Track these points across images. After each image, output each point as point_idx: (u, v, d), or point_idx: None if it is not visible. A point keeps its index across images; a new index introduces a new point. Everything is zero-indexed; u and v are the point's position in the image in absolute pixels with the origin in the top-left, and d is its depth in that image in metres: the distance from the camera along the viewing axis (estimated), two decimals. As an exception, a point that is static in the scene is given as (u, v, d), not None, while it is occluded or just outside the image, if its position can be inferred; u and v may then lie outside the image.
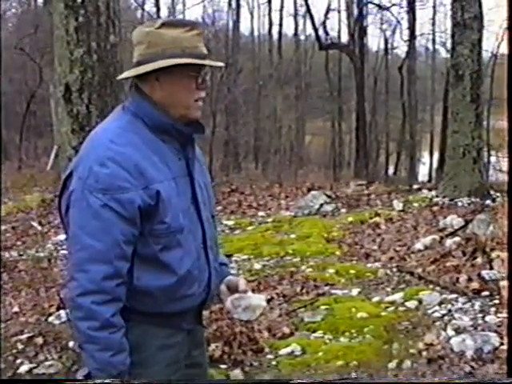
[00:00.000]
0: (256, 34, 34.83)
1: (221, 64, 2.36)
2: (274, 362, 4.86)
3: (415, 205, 10.34)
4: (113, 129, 2.22)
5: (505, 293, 5.46)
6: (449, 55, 13.16)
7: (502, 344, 4.69)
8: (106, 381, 2.12)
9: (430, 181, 21.51)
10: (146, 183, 2.14)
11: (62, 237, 8.94)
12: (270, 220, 10.34)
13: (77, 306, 2.12)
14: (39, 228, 10.16)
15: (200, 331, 2.52)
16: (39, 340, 5.35)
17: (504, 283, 5.63)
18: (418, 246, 7.62)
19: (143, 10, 27.83)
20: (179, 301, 2.27)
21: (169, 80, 2.22)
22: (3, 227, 10.67)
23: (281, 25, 30.71)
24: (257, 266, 7.51)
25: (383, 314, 5.64)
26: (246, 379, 4.54)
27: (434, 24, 29.97)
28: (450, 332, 5.08)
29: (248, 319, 2.39)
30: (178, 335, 2.34)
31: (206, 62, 2.25)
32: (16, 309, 6.24)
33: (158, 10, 26.78)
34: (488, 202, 9.97)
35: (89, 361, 2.15)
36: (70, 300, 2.15)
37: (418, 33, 26.60)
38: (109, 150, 2.13)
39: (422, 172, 29.94)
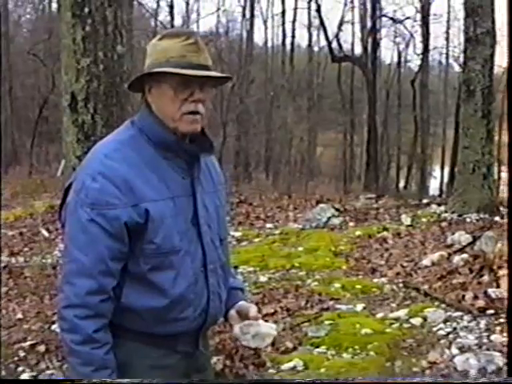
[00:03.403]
0: (269, 44, 34.90)
1: (210, 74, 2.15)
2: (275, 377, 4.78)
3: (423, 220, 10.28)
4: (111, 143, 2.18)
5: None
6: (461, 70, 13.12)
7: (506, 364, 4.62)
8: (108, 380, 2.10)
9: (440, 195, 21.40)
10: (135, 201, 2.09)
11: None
12: (277, 232, 10.30)
13: (62, 318, 2.12)
14: (47, 234, 10.15)
15: (203, 356, 2.41)
16: (41, 348, 5.34)
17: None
18: (425, 261, 7.55)
19: (156, 19, 27.95)
20: (170, 323, 2.21)
21: (156, 91, 2.16)
22: (11, 233, 10.70)
23: (293, 36, 30.76)
24: (262, 279, 7.46)
25: (387, 330, 5.58)
26: (245, 379, 4.56)
27: (447, 38, 29.98)
28: (454, 350, 5.01)
29: (256, 347, 2.34)
30: (172, 357, 2.27)
31: (177, 70, 2.09)
32: (20, 315, 6.24)
33: (172, 19, 26.89)
34: (497, 218, 9.89)
35: (72, 373, 2.13)
36: (58, 311, 2.16)
37: (431, 47, 26.64)
38: (101, 165, 2.09)
39: (433, 186, 29.83)
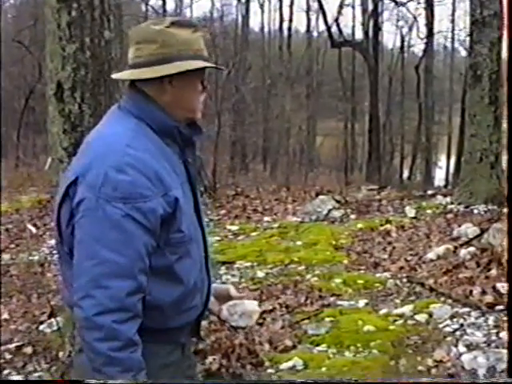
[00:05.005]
0: (266, 29, 34.73)
1: (223, 68, 2.38)
2: (274, 377, 4.76)
3: (428, 212, 10.20)
4: (125, 132, 2.10)
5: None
6: (468, 54, 12.96)
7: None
8: (109, 382, 1.98)
9: (446, 186, 21.24)
10: (165, 190, 2.05)
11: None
12: (275, 226, 10.22)
13: (95, 326, 1.96)
14: (34, 230, 10.01)
15: (190, 344, 2.48)
16: (28, 349, 5.32)
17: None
18: (430, 255, 7.47)
19: (147, 4, 27.72)
20: (183, 314, 2.21)
21: (182, 83, 2.17)
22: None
23: (291, 21, 30.61)
24: (260, 274, 7.41)
25: (391, 327, 5.51)
26: (245, 379, 4.56)
27: (453, 21, 29.92)
28: (462, 348, 4.96)
29: (246, 325, 2.43)
30: (176, 352, 2.27)
31: (219, 66, 2.46)
32: (6, 316, 6.20)
33: (164, 3, 26.70)
34: (505, 209, 9.74)
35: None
36: (85, 320, 1.98)
37: (435, 30, 26.43)
38: (127, 156, 2.02)
39: (439, 176, 29.78)
